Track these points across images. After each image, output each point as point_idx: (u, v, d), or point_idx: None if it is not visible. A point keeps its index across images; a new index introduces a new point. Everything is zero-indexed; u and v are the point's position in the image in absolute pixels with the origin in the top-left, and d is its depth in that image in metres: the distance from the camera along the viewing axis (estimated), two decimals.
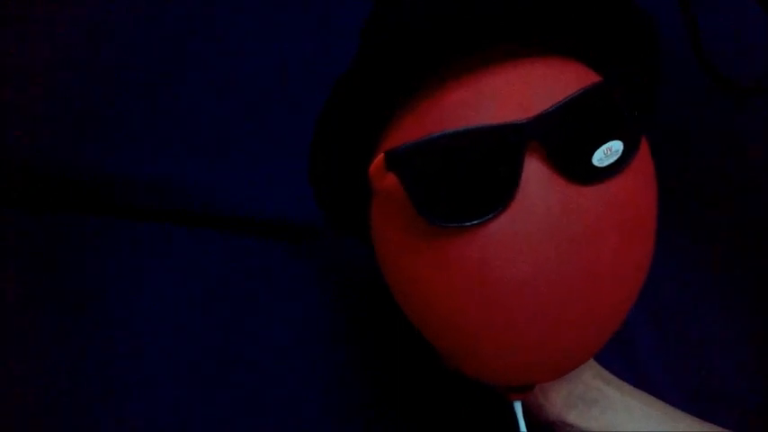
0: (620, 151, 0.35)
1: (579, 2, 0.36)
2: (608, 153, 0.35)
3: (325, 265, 0.57)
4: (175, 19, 0.56)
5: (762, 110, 0.51)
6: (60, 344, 0.54)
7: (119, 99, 0.55)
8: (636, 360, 0.53)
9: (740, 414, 0.51)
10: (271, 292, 0.56)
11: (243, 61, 0.56)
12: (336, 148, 0.40)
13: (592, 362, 0.44)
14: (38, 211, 0.56)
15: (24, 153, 0.55)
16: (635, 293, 0.38)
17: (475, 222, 0.34)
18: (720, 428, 0.43)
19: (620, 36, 0.38)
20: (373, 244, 0.41)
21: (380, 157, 0.35)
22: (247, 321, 0.55)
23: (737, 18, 0.51)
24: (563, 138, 0.34)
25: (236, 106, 0.56)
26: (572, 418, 0.42)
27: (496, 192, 0.34)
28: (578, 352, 0.38)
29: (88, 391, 0.53)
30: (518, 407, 0.41)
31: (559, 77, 0.36)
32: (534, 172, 0.34)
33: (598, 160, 0.34)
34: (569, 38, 0.38)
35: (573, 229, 0.34)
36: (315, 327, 0.55)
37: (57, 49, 0.55)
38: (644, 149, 0.38)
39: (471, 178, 0.34)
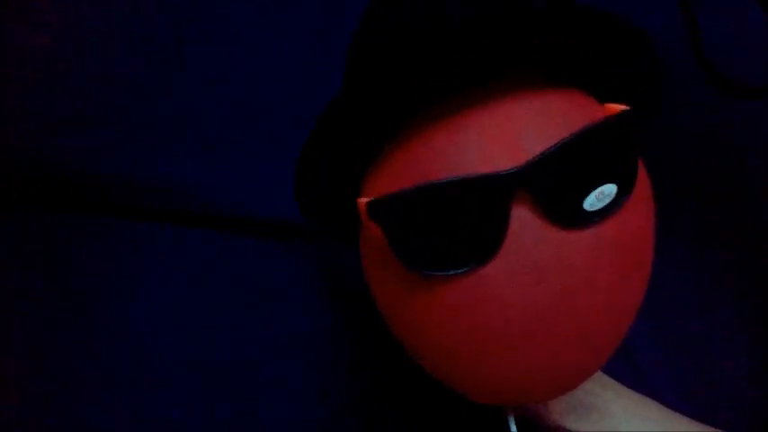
0: (614, 194, 0.33)
1: (575, 27, 0.34)
2: (600, 197, 0.33)
3: (325, 265, 0.57)
4: (175, 19, 0.56)
5: (762, 110, 0.51)
6: (60, 343, 0.54)
7: (119, 99, 0.55)
8: (636, 361, 0.53)
9: (741, 415, 0.51)
10: (271, 292, 0.56)
11: (243, 61, 0.56)
12: (324, 177, 0.38)
13: None
14: (38, 211, 0.56)
15: (24, 153, 0.55)
16: (628, 324, 0.37)
17: (460, 272, 0.33)
18: (718, 431, 0.43)
19: (622, 68, 0.36)
20: (364, 273, 0.40)
21: (363, 202, 0.34)
22: (247, 321, 0.55)
23: (737, 18, 0.51)
24: (552, 185, 0.32)
25: (236, 106, 0.56)
26: (570, 423, 0.42)
27: (483, 241, 0.32)
28: (570, 381, 0.37)
29: (88, 391, 0.53)
30: (510, 418, 0.42)
31: (552, 115, 0.34)
32: (522, 219, 0.32)
33: (589, 205, 0.33)
34: (564, 66, 0.36)
35: (564, 275, 0.32)
36: (314, 326, 0.55)
37: (57, 49, 0.55)
38: (642, 184, 0.35)
39: (456, 229, 0.33)
